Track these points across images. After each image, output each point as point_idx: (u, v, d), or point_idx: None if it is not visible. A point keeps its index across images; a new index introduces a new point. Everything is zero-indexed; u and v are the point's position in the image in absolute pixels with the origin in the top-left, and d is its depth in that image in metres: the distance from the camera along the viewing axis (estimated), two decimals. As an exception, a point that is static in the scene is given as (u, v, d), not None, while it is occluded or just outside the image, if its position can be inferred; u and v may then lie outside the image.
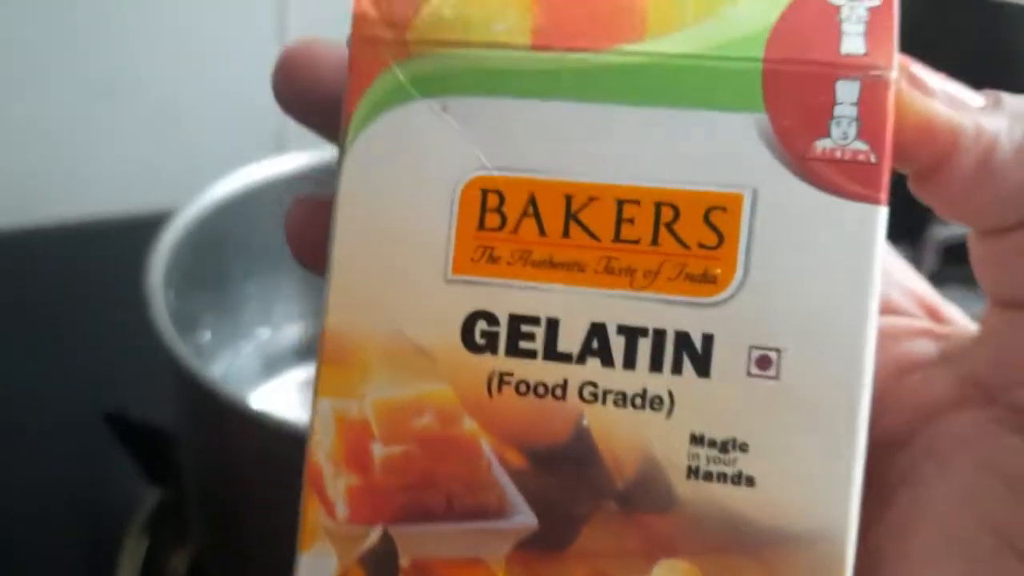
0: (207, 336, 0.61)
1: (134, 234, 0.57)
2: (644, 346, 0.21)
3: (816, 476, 0.20)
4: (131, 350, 0.53)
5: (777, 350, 0.21)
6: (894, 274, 0.25)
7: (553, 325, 0.21)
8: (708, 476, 0.21)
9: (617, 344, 0.21)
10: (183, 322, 0.52)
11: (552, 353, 0.21)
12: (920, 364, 0.23)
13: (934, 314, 0.25)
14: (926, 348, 0.24)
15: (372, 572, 0.22)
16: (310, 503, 0.22)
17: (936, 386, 0.23)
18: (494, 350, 0.22)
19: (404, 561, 0.21)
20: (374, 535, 0.22)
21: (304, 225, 0.24)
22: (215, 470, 0.54)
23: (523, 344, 0.22)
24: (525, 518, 0.21)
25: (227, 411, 0.49)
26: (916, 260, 0.62)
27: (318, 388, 0.22)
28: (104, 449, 0.59)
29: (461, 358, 0.22)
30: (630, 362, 0.21)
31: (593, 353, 0.21)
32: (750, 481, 0.21)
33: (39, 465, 0.63)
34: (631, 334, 0.21)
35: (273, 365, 0.67)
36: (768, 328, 0.21)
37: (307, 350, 0.67)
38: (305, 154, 0.64)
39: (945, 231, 0.62)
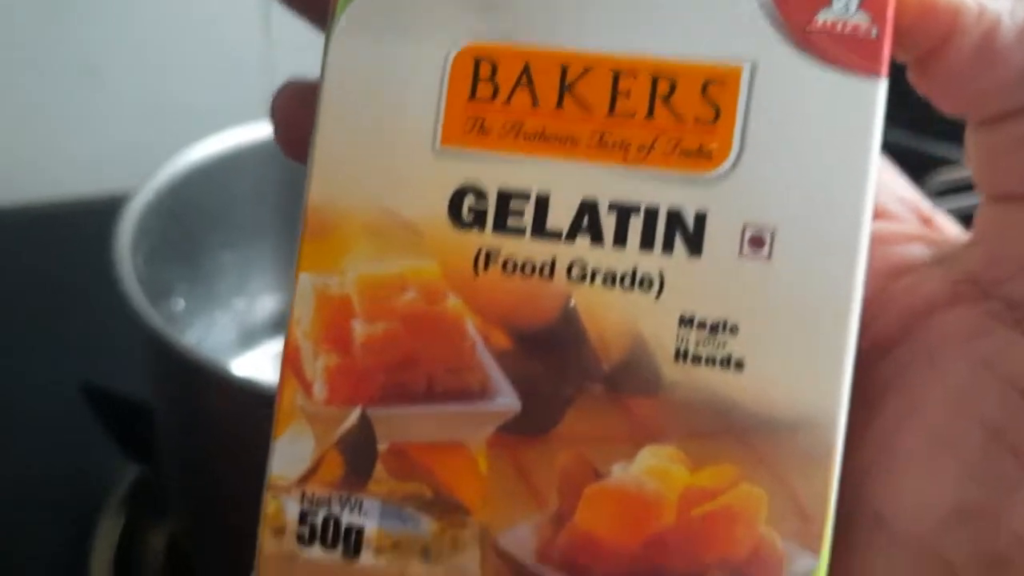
0: (180, 305, 0.60)
1: (109, 214, 0.55)
2: (635, 224, 0.20)
3: (807, 360, 0.20)
4: (110, 324, 0.52)
5: (771, 230, 0.20)
6: (887, 182, 0.24)
7: (543, 201, 0.21)
8: (696, 359, 0.20)
9: (608, 221, 0.20)
10: (154, 289, 0.51)
11: (541, 230, 0.21)
12: (912, 267, 0.23)
13: (927, 222, 0.24)
14: (918, 252, 0.23)
15: (349, 455, 0.21)
16: (287, 383, 0.21)
17: (928, 285, 0.22)
18: (482, 226, 0.21)
19: (383, 444, 0.21)
20: (353, 417, 0.21)
21: (292, 110, 0.23)
22: (192, 441, 0.52)
23: (511, 221, 0.21)
24: (508, 400, 0.21)
25: (201, 375, 0.47)
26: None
27: (299, 263, 0.21)
28: (81, 425, 0.58)
29: (448, 233, 0.21)
30: (620, 240, 0.20)
31: (583, 231, 0.21)
32: (739, 365, 0.20)
33: (15, 442, 0.62)
34: (623, 211, 0.20)
35: (249, 337, 0.64)
36: (763, 206, 0.20)
37: (283, 321, 0.64)
38: None
39: (944, 175, 0.60)
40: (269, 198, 0.63)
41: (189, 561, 0.57)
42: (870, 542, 0.21)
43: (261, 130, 0.61)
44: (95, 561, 0.56)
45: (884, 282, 0.23)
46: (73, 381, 0.59)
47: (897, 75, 0.21)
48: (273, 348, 0.65)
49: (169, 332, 0.47)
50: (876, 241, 0.23)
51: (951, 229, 0.24)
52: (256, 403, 0.45)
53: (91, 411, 0.58)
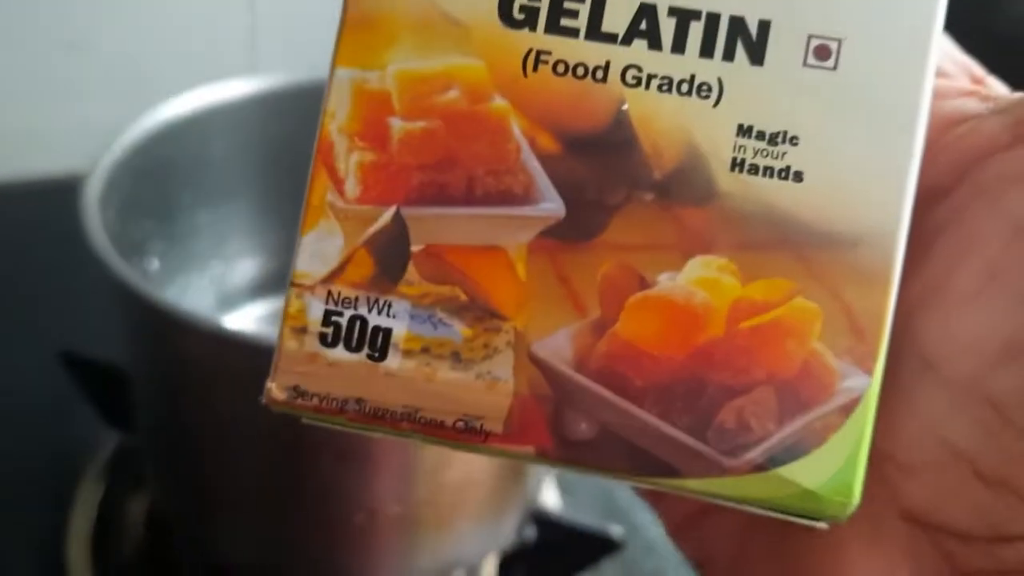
0: (155, 264, 0.58)
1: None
2: (696, 29, 0.19)
3: (869, 174, 0.19)
4: (89, 292, 0.50)
5: (837, 39, 0.19)
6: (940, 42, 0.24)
7: (599, 2, 0.20)
8: (753, 169, 0.19)
9: (667, 25, 0.20)
10: (127, 247, 0.49)
11: (595, 32, 0.20)
12: (967, 117, 0.22)
13: (978, 82, 0.24)
14: (972, 105, 0.22)
15: (380, 256, 0.20)
16: (318, 178, 0.20)
17: (986, 130, 0.21)
18: (533, 26, 0.20)
19: (416, 245, 0.20)
20: (386, 216, 0.20)
21: None
22: (171, 400, 0.51)
23: (565, 21, 0.20)
24: (552, 205, 0.20)
25: (176, 325, 0.45)
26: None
27: (336, 56, 0.20)
28: (60, 394, 0.57)
29: (496, 32, 0.20)
30: (679, 46, 0.19)
31: (640, 34, 0.20)
32: (798, 176, 0.19)
33: None
34: (683, 15, 0.20)
35: (227, 301, 0.63)
36: (829, 15, 0.19)
37: (262, 286, 0.63)
38: (255, 80, 0.60)
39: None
40: (247, 157, 0.61)
41: (168, 530, 0.56)
42: (915, 383, 0.20)
43: (236, 88, 0.59)
44: (73, 530, 0.55)
45: (938, 132, 0.22)
46: (52, 350, 0.57)
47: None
48: (253, 312, 0.63)
49: (141, 283, 0.46)
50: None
51: (1002, 90, 0.23)
52: (238, 356, 0.44)
53: (70, 379, 0.56)
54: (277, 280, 0.63)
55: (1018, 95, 0.22)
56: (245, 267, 0.63)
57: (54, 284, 0.67)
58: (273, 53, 0.78)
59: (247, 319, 0.63)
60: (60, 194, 0.53)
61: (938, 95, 0.22)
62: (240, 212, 0.62)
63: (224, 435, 0.50)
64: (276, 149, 0.61)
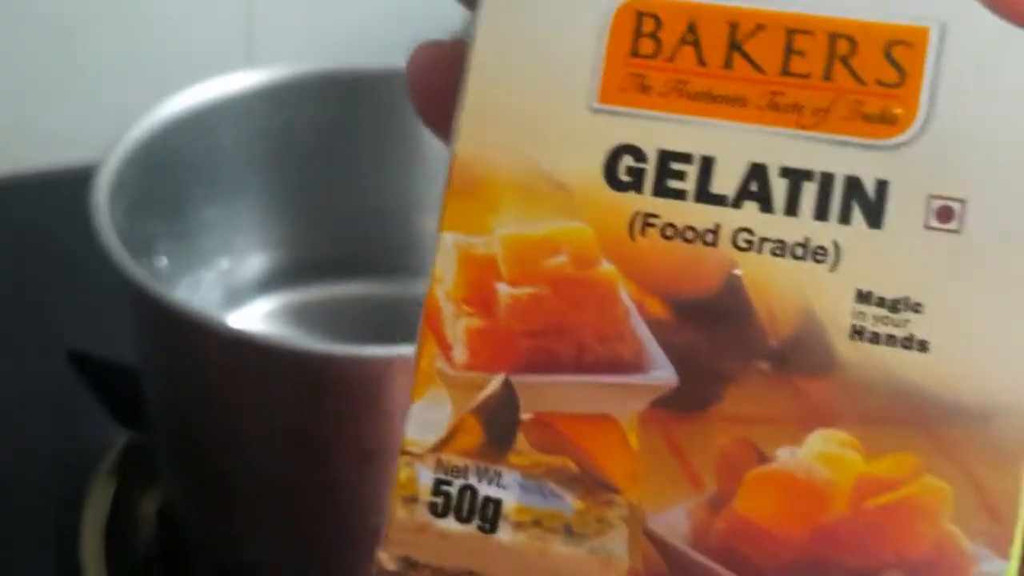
0: (163, 262, 0.57)
1: (90, 181, 0.52)
2: (809, 191, 0.19)
3: (1001, 344, 0.18)
4: (97, 290, 0.50)
5: (961, 200, 0.18)
6: None
7: (707, 164, 0.19)
8: (875, 338, 0.18)
9: (779, 187, 0.19)
10: (136, 245, 0.49)
11: (705, 194, 0.19)
12: None
13: None
14: None
15: (489, 424, 0.20)
16: (426, 345, 0.20)
17: None
18: (639, 188, 0.20)
19: (525, 414, 0.19)
20: (494, 383, 0.20)
21: (430, 70, 0.22)
22: (182, 399, 0.51)
23: (672, 183, 0.19)
24: (664, 373, 0.19)
25: (187, 326, 0.45)
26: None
27: (442, 222, 0.20)
28: (70, 393, 0.57)
29: (602, 195, 0.20)
30: (792, 208, 0.19)
31: (751, 196, 0.19)
32: (923, 345, 0.18)
33: (3, 411, 0.60)
34: (795, 177, 0.19)
35: (235, 297, 0.62)
36: (951, 176, 0.19)
37: (271, 282, 0.62)
38: (262, 72, 0.59)
39: None
40: (254, 152, 0.60)
41: (181, 526, 0.56)
42: None
43: (242, 80, 0.58)
44: (86, 528, 0.55)
45: None
46: (61, 348, 0.57)
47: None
48: (261, 308, 0.62)
49: (150, 280, 0.46)
50: None
51: None
52: (248, 355, 0.45)
53: (79, 377, 0.57)
54: (286, 275, 0.63)
55: None
56: (253, 262, 0.62)
57: (61, 281, 0.67)
58: (270, 42, 0.77)
59: (256, 315, 0.62)
60: (64, 188, 0.53)
61: None
62: (247, 207, 0.61)
63: (236, 433, 0.50)
64: (282, 142, 0.60)
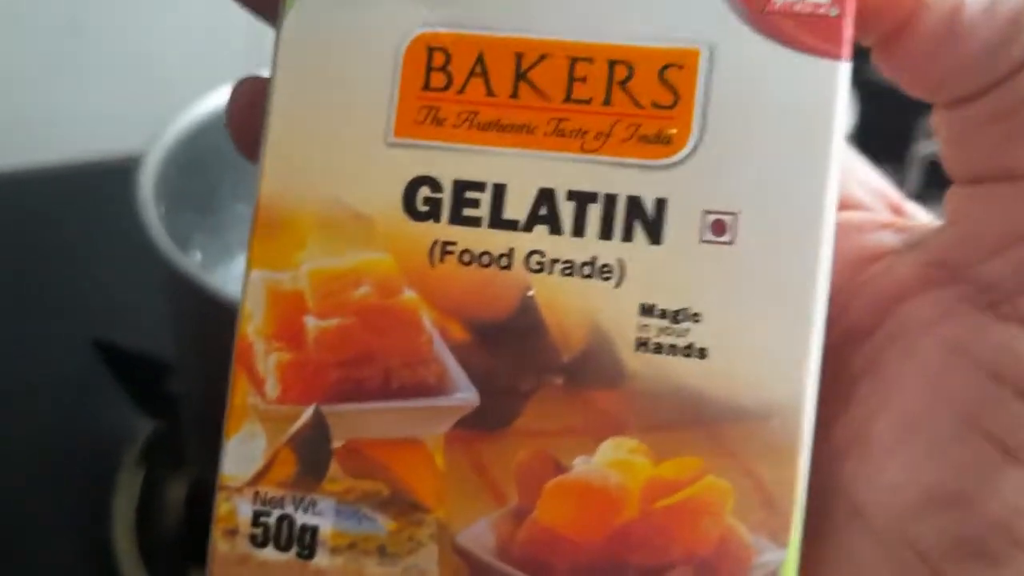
0: (198, 257, 0.59)
1: (109, 175, 0.55)
2: (594, 212, 0.20)
3: (772, 346, 0.19)
4: (122, 281, 0.51)
5: (733, 214, 0.19)
6: (856, 171, 0.24)
7: (500, 191, 0.20)
8: (658, 348, 0.19)
9: (566, 210, 0.20)
10: (173, 241, 0.50)
11: (498, 220, 0.20)
12: (883, 254, 0.22)
13: (897, 210, 0.24)
14: (889, 239, 0.22)
15: (303, 454, 0.20)
16: (238, 382, 0.21)
17: (899, 271, 0.21)
18: (437, 218, 0.20)
19: (337, 442, 0.20)
20: (306, 415, 0.20)
21: (247, 108, 0.23)
22: (218, 388, 0.52)
23: (467, 211, 0.20)
24: (466, 395, 0.20)
25: (232, 316, 0.47)
26: (899, 180, 0.61)
27: (250, 260, 0.21)
28: (97, 382, 0.59)
29: (402, 226, 0.20)
30: (579, 229, 0.20)
31: (541, 220, 0.20)
32: (702, 353, 0.19)
33: (32, 401, 0.62)
34: (581, 199, 0.20)
35: None
36: (724, 191, 0.20)
37: None
38: None
39: (928, 148, 0.60)
40: None
41: (209, 510, 0.56)
42: (843, 531, 0.20)
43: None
44: (117, 515, 0.57)
45: (855, 271, 0.22)
46: (87, 339, 0.59)
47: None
48: None
49: (199, 273, 0.47)
50: (846, 230, 0.22)
51: (922, 216, 0.24)
52: None
53: (105, 367, 0.58)
54: None
55: (932, 225, 0.22)
56: None
57: (87, 272, 0.68)
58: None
59: None
60: (90, 180, 0.54)
61: (855, 229, 0.23)
62: None
63: None
64: None
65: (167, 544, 0.57)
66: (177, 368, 0.54)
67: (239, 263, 0.62)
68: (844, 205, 0.23)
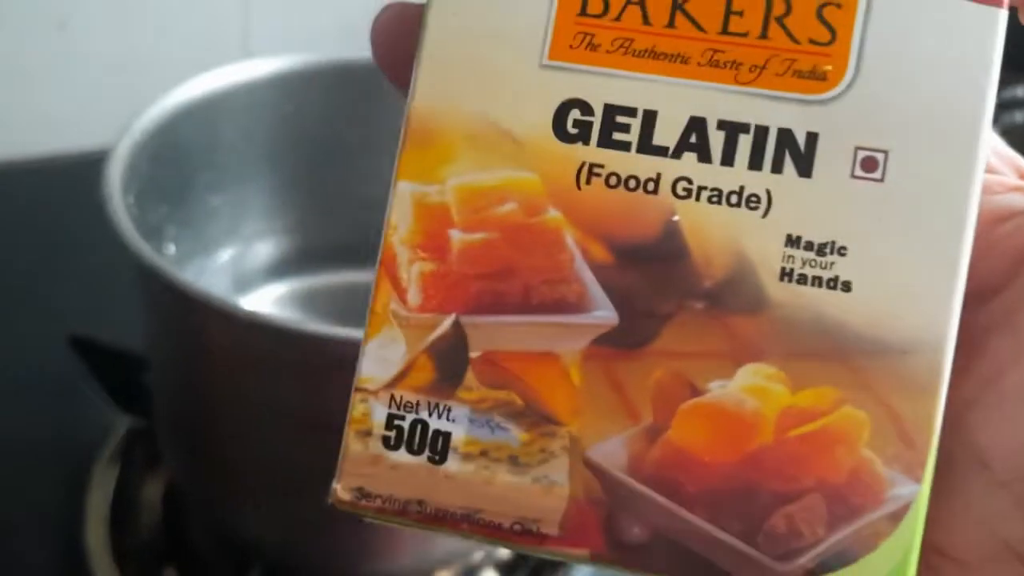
0: (171, 249, 0.57)
1: (91, 168, 0.52)
2: (744, 142, 0.20)
3: (916, 283, 0.19)
4: (96, 276, 0.50)
5: (884, 151, 0.20)
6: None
7: (650, 117, 0.20)
8: (802, 279, 0.20)
9: (716, 139, 0.20)
10: (145, 233, 0.49)
11: (647, 146, 0.20)
12: (1013, 215, 0.22)
13: None
14: (1019, 200, 0.22)
15: (440, 362, 0.21)
16: (381, 288, 0.21)
17: None
18: (586, 140, 0.21)
19: (474, 352, 0.21)
20: (446, 324, 0.21)
21: (393, 31, 0.23)
22: (191, 384, 0.52)
23: (617, 135, 0.21)
24: (605, 313, 0.20)
25: (202, 309, 0.46)
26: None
27: (398, 170, 0.21)
28: (72, 378, 0.58)
29: (551, 147, 0.21)
30: (728, 158, 0.20)
31: (690, 147, 0.20)
32: (846, 286, 0.19)
33: (5, 395, 0.61)
34: (732, 129, 0.20)
35: (242, 284, 0.62)
36: (876, 129, 0.20)
37: (278, 268, 0.63)
38: (270, 61, 0.60)
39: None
40: (261, 140, 0.61)
41: (186, 510, 0.56)
42: (968, 482, 0.20)
43: (248, 70, 0.59)
44: (90, 513, 0.56)
45: (986, 230, 0.22)
46: (61, 334, 0.58)
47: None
48: (269, 294, 0.63)
49: (167, 266, 0.46)
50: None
51: None
52: (261, 338, 0.45)
53: (81, 363, 0.57)
54: (292, 262, 0.64)
55: None
56: (260, 250, 0.63)
57: (62, 266, 0.67)
58: (266, 30, 0.77)
59: (263, 301, 0.63)
60: (65, 174, 0.53)
61: (986, 190, 0.23)
62: (254, 195, 0.62)
63: (243, 416, 0.50)
64: (289, 130, 0.61)
65: (141, 544, 0.55)
66: (149, 364, 0.53)
67: (215, 256, 0.61)
68: None
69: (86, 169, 0.52)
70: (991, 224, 0.22)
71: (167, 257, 0.57)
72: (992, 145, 0.24)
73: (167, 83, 0.57)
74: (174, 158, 0.57)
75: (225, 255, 0.62)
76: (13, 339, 0.64)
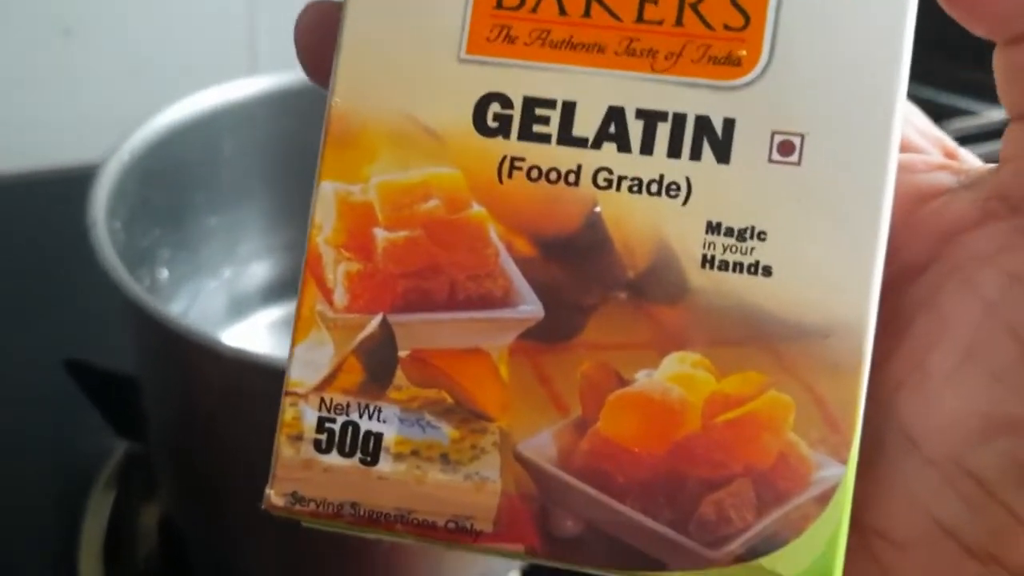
0: (164, 274, 0.56)
1: (82, 185, 0.51)
2: (663, 131, 0.20)
3: (835, 266, 0.19)
4: (95, 297, 0.48)
5: (800, 135, 0.20)
6: (910, 117, 0.24)
7: (569, 108, 0.20)
8: (723, 265, 0.20)
9: (635, 128, 0.20)
10: (135, 257, 0.48)
11: (567, 137, 0.20)
12: (938, 193, 0.22)
13: (951, 156, 0.24)
14: (944, 179, 0.22)
15: (369, 363, 0.21)
16: (307, 290, 0.21)
17: (955, 208, 0.21)
18: (507, 134, 0.21)
19: (403, 351, 0.21)
20: (373, 324, 0.21)
21: (315, 31, 0.23)
22: (180, 415, 0.51)
23: (537, 128, 0.20)
24: (531, 307, 0.20)
25: (185, 345, 0.45)
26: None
27: (321, 171, 0.21)
28: (68, 401, 0.56)
29: (472, 141, 0.21)
30: (647, 147, 0.20)
31: (609, 138, 0.20)
32: (767, 271, 0.19)
33: (1, 419, 0.59)
34: (650, 118, 0.20)
35: (239, 306, 0.61)
36: (792, 112, 0.20)
37: (276, 290, 0.62)
38: (269, 77, 0.59)
39: (957, 124, 0.60)
40: (255, 159, 0.60)
41: (182, 537, 0.56)
42: (897, 462, 0.20)
43: (244, 87, 0.58)
44: (86, 539, 0.55)
45: (910, 209, 0.22)
46: (59, 356, 0.57)
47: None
48: (265, 318, 0.62)
49: (150, 300, 0.45)
50: (901, 170, 0.22)
51: (975, 162, 0.24)
52: (246, 373, 0.44)
53: (77, 387, 0.56)
54: (289, 284, 0.62)
55: (988, 167, 0.22)
56: (256, 271, 0.62)
57: (59, 289, 0.65)
58: (273, 41, 0.77)
59: (260, 324, 0.62)
60: (64, 191, 0.51)
61: (910, 170, 0.23)
62: (250, 215, 0.61)
63: (233, 447, 0.49)
64: (284, 149, 0.60)
65: (136, 573, 0.54)
66: (142, 390, 0.52)
67: (210, 281, 0.60)
68: (900, 148, 0.23)
69: (81, 184, 0.51)
70: (915, 203, 0.22)
71: (160, 281, 0.56)
72: (917, 124, 0.24)
73: (175, 93, 0.57)
74: (167, 178, 0.55)
75: (221, 277, 0.61)
76: (9, 362, 0.63)
